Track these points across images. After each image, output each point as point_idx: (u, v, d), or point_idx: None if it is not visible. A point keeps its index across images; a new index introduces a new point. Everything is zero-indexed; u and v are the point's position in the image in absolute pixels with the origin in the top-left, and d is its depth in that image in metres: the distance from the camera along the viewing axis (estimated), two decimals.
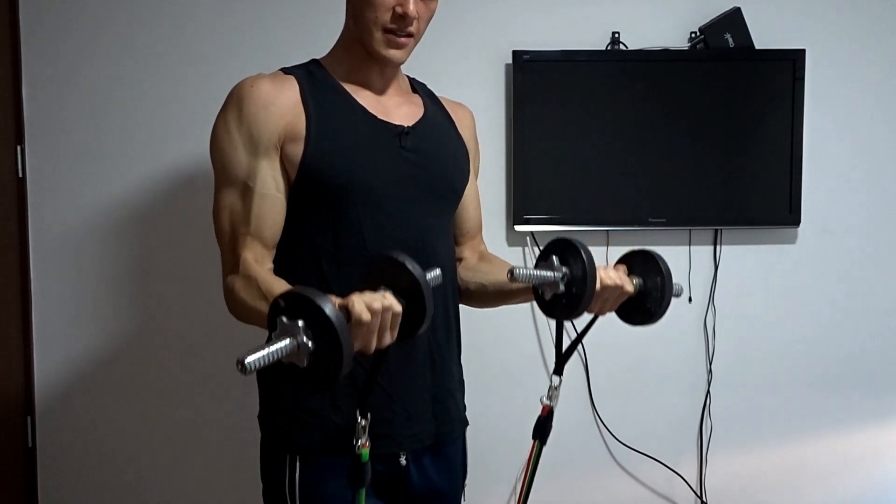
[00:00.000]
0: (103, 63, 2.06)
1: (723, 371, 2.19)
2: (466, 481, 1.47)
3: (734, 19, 2.05)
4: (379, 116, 1.30)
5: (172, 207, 2.08)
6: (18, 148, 2.05)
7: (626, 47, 2.10)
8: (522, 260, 2.16)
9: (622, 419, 2.18)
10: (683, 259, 2.17)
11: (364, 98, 1.32)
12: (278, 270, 1.26)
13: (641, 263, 1.26)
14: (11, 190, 2.04)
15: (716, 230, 2.17)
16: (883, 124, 2.18)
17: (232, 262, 1.25)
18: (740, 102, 2.08)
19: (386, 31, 1.26)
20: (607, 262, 2.13)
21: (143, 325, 2.11)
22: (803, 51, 2.08)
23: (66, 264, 2.08)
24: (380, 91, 1.35)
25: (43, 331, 2.09)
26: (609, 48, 2.10)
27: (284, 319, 0.96)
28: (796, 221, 2.11)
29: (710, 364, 2.19)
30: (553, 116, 2.06)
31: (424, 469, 1.35)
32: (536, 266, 1.22)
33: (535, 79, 2.05)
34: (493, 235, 2.12)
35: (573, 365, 2.17)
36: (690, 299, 2.18)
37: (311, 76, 1.31)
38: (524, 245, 2.15)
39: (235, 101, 1.25)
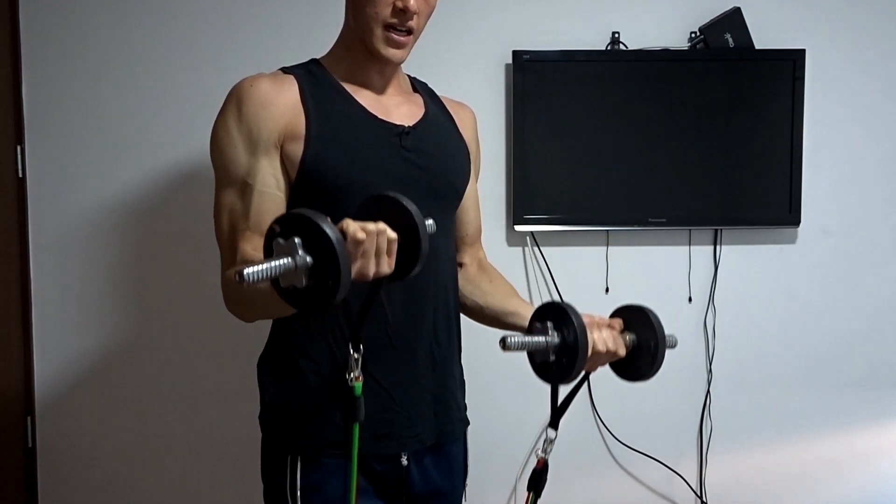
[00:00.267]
0: (103, 63, 2.06)
1: (723, 371, 2.19)
2: (467, 481, 1.47)
3: (734, 19, 2.05)
4: (379, 116, 1.30)
5: (173, 207, 2.08)
6: (18, 148, 2.05)
7: (626, 47, 2.10)
8: (522, 260, 2.16)
9: (622, 419, 2.18)
10: (683, 259, 2.17)
11: (364, 98, 1.31)
12: None
13: (637, 321, 1.27)
14: (11, 190, 2.04)
15: (716, 230, 2.17)
16: (883, 124, 2.18)
17: (230, 257, 1.24)
18: (740, 102, 2.08)
19: (386, 27, 1.26)
20: (607, 263, 2.14)
21: (144, 324, 2.11)
22: (803, 51, 2.08)
23: (66, 264, 2.08)
24: (380, 90, 1.34)
25: (43, 331, 2.09)
26: (609, 48, 2.11)
27: (280, 241, 0.96)
28: (796, 221, 2.11)
29: (710, 364, 2.19)
30: (553, 116, 2.06)
31: (425, 469, 1.35)
32: (528, 331, 1.23)
33: (535, 79, 2.05)
34: (493, 235, 2.12)
35: None
36: (690, 299, 2.18)
37: (311, 76, 1.31)
38: (524, 245, 2.15)
39: (235, 101, 1.25)
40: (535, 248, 2.15)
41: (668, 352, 2.18)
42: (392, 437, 1.29)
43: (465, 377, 1.46)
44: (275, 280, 0.98)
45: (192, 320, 2.09)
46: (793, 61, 2.07)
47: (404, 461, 1.31)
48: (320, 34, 1.41)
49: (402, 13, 1.25)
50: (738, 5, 2.06)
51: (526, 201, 2.07)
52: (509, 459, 2.15)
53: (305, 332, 1.28)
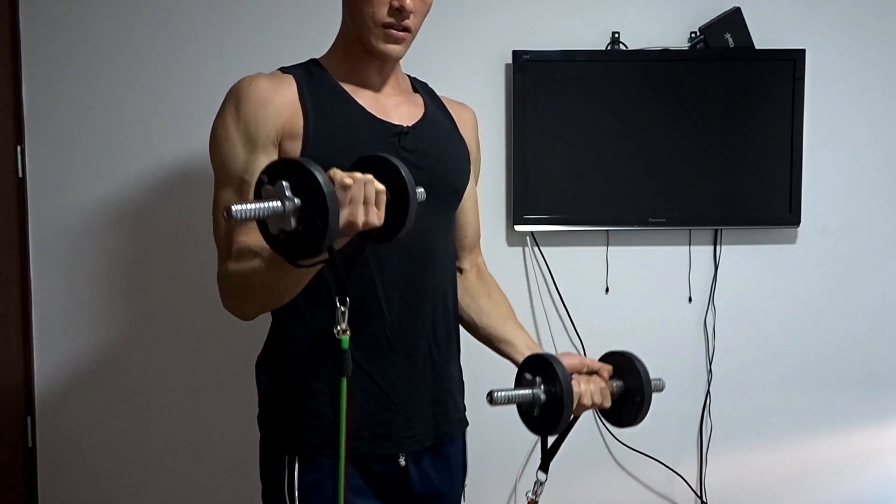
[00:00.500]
0: (103, 63, 2.06)
1: (723, 371, 2.19)
2: (466, 482, 1.47)
3: (734, 19, 2.05)
4: (378, 116, 1.30)
5: (172, 207, 2.08)
6: (18, 148, 2.05)
7: (626, 47, 2.10)
8: (522, 260, 2.16)
9: None
10: (683, 259, 2.17)
11: (363, 97, 1.31)
12: None
13: (625, 369, 1.29)
14: (11, 190, 2.04)
15: (716, 230, 2.17)
16: (883, 123, 2.18)
17: (226, 251, 1.24)
18: (740, 102, 2.08)
19: (383, 26, 1.26)
20: (607, 263, 2.14)
21: (144, 324, 2.11)
22: (803, 51, 2.08)
23: (66, 264, 2.08)
24: (378, 90, 1.34)
25: (43, 330, 2.09)
26: (609, 48, 2.10)
27: (269, 187, 0.97)
28: (796, 221, 2.11)
29: (710, 364, 2.19)
30: (553, 116, 2.06)
31: (424, 470, 1.35)
32: (516, 385, 1.26)
33: (535, 79, 2.05)
34: (493, 235, 2.12)
35: None
36: (690, 299, 2.18)
37: (310, 75, 1.31)
38: (524, 245, 2.15)
39: (233, 100, 1.26)
40: (535, 248, 2.15)
41: (668, 352, 2.20)
42: (391, 438, 1.29)
43: (465, 378, 1.46)
44: (264, 228, 0.99)
45: (192, 320, 2.09)
46: (793, 61, 2.07)
47: (402, 461, 1.31)
48: (320, 34, 1.41)
49: (399, 12, 1.25)
50: (738, 5, 2.06)
51: (526, 201, 2.07)
52: (509, 460, 2.16)
53: (303, 332, 1.28)
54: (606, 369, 1.31)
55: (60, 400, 2.10)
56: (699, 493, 2.21)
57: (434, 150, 1.34)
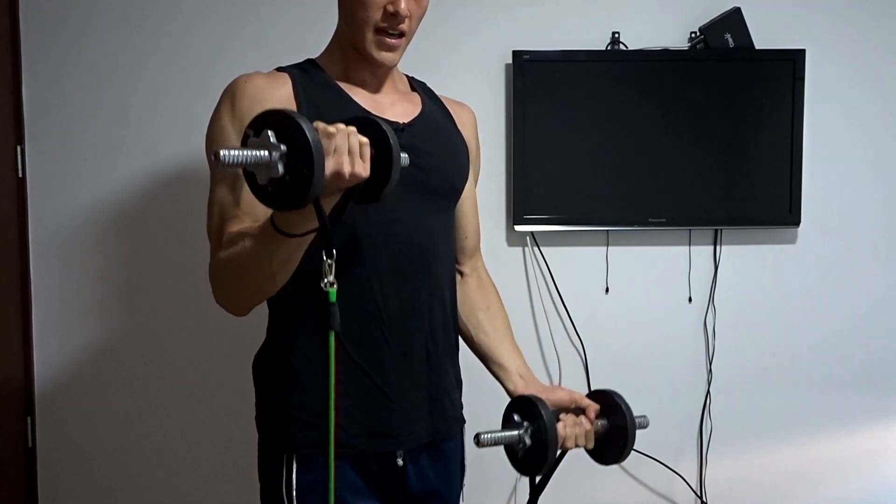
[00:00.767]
0: (103, 63, 2.06)
1: (723, 371, 2.19)
2: (465, 481, 1.47)
3: (734, 19, 2.05)
4: (373, 112, 1.30)
5: (172, 207, 2.08)
6: (18, 148, 2.05)
7: (626, 47, 2.10)
8: (522, 260, 2.16)
9: None
10: (683, 259, 2.17)
11: (359, 96, 1.32)
12: None
13: (610, 409, 1.32)
14: (11, 190, 2.04)
15: (716, 230, 2.17)
16: (884, 124, 2.18)
17: (218, 242, 1.23)
18: (740, 102, 2.08)
19: (378, 31, 1.26)
20: (607, 263, 2.14)
21: (144, 324, 2.11)
22: (803, 51, 2.08)
23: (66, 264, 2.08)
24: (375, 89, 1.35)
25: (43, 331, 2.09)
26: (609, 48, 2.11)
27: (254, 138, 0.98)
28: (796, 221, 2.11)
29: (710, 364, 2.19)
30: (553, 116, 2.06)
31: (422, 469, 1.34)
32: (503, 426, 1.30)
33: (535, 79, 2.05)
34: (493, 235, 2.12)
35: (573, 364, 2.17)
36: (690, 299, 2.18)
37: (306, 74, 1.31)
38: (524, 245, 2.15)
39: (229, 96, 1.26)
40: (535, 248, 2.15)
41: (668, 352, 2.20)
42: (388, 436, 1.29)
43: (463, 377, 1.46)
44: (253, 182, 1.00)
45: (192, 321, 2.09)
46: (793, 61, 2.07)
47: (400, 462, 1.31)
48: (322, 37, 1.42)
49: (393, 17, 1.25)
50: (738, 5, 2.06)
51: (526, 201, 2.07)
52: (508, 460, 2.15)
53: (300, 331, 1.28)
54: (594, 409, 1.34)
55: (60, 400, 2.10)
56: (699, 493, 2.21)
57: (431, 148, 1.33)
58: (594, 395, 1.36)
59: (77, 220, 2.08)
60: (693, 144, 2.08)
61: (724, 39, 2.05)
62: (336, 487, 1.23)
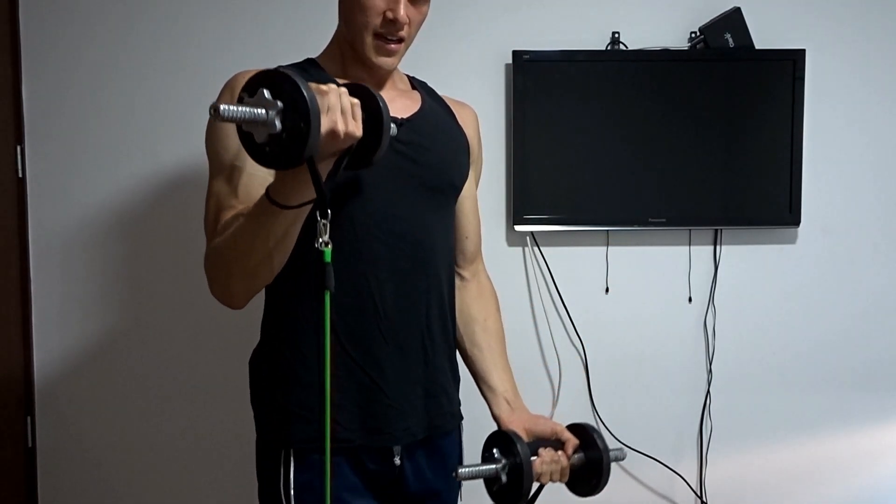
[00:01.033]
0: (103, 63, 2.06)
1: (723, 371, 2.19)
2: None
3: (734, 19, 2.05)
4: None
5: (172, 206, 2.08)
6: (18, 148, 2.05)
7: (626, 47, 2.10)
8: (522, 260, 2.16)
9: (622, 419, 2.18)
10: (683, 259, 2.17)
11: None
12: None
13: (587, 444, 1.36)
14: (11, 190, 2.04)
15: (716, 230, 2.17)
16: (883, 124, 2.18)
17: (213, 232, 1.22)
18: (740, 102, 2.08)
19: (377, 35, 1.27)
20: (607, 263, 2.14)
21: (143, 325, 2.11)
22: (803, 51, 2.08)
23: (66, 264, 2.08)
24: (374, 88, 1.35)
25: (43, 331, 2.09)
26: (609, 48, 2.11)
27: (249, 98, 0.99)
28: (796, 221, 2.11)
29: (710, 364, 2.19)
30: (553, 116, 2.06)
31: (419, 467, 1.35)
32: (483, 460, 1.33)
33: (535, 79, 2.05)
34: (493, 235, 2.12)
35: (573, 365, 2.17)
36: (690, 299, 2.18)
37: (306, 73, 1.32)
38: (524, 245, 2.15)
39: (228, 91, 1.27)
40: (535, 248, 2.15)
41: (668, 352, 2.20)
42: (384, 431, 1.29)
43: (463, 375, 1.46)
44: (250, 141, 1.00)
45: (192, 320, 2.09)
46: (793, 61, 2.07)
47: (398, 461, 1.31)
48: (322, 38, 1.42)
49: (392, 23, 1.25)
50: (738, 5, 2.06)
51: (526, 201, 2.07)
52: None
53: (295, 328, 1.28)
54: (572, 444, 1.36)
55: (60, 400, 2.10)
56: (699, 493, 2.21)
57: (430, 143, 1.33)
58: (573, 428, 1.40)
59: (77, 220, 2.08)
60: (693, 144, 2.08)
61: (724, 39, 2.05)
62: (334, 487, 1.23)
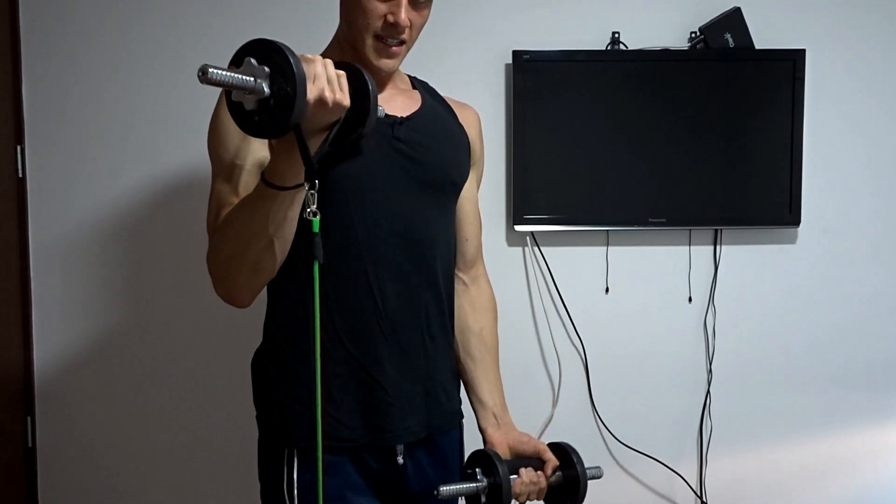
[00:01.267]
0: (103, 63, 2.06)
1: (723, 371, 2.19)
2: None
3: (734, 19, 2.05)
4: None
5: (172, 207, 2.08)
6: (18, 148, 2.05)
7: (626, 47, 2.10)
8: (522, 260, 2.16)
9: (622, 419, 2.18)
10: (683, 259, 2.17)
11: None
12: None
13: (566, 464, 1.40)
14: (11, 190, 2.04)
15: (716, 230, 2.17)
16: (883, 124, 2.18)
17: (214, 229, 1.23)
18: (740, 102, 2.08)
19: (378, 38, 1.27)
20: (607, 263, 2.14)
21: (143, 325, 2.11)
22: (803, 51, 2.08)
23: (66, 264, 2.08)
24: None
25: (43, 331, 2.09)
26: (609, 48, 2.11)
27: (237, 68, 1.00)
28: (796, 221, 2.11)
29: (710, 364, 2.19)
30: (553, 116, 2.06)
31: (421, 467, 1.35)
32: (463, 478, 1.37)
33: (535, 79, 2.05)
34: (493, 235, 2.12)
35: (573, 365, 2.17)
36: (690, 299, 2.18)
37: None
38: (524, 245, 2.15)
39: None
40: (535, 248, 2.15)
41: (668, 352, 2.20)
42: (385, 430, 1.29)
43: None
44: (239, 109, 1.01)
45: (193, 320, 2.09)
46: (793, 61, 2.07)
47: (400, 460, 1.32)
48: (322, 40, 1.42)
49: (393, 27, 1.26)
50: (738, 5, 2.06)
51: (526, 201, 2.07)
52: None
53: (297, 328, 1.28)
54: (552, 465, 1.39)
55: (60, 400, 2.10)
56: (699, 493, 2.21)
57: (430, 142, 1.33)
58: (553, 447, 1.43)
59: (77, 220, 2.08)
60: (693, 144, 2.08)
61: (724, 39, 2.05)
62: (337, 485, 1.23)
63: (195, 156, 2.06)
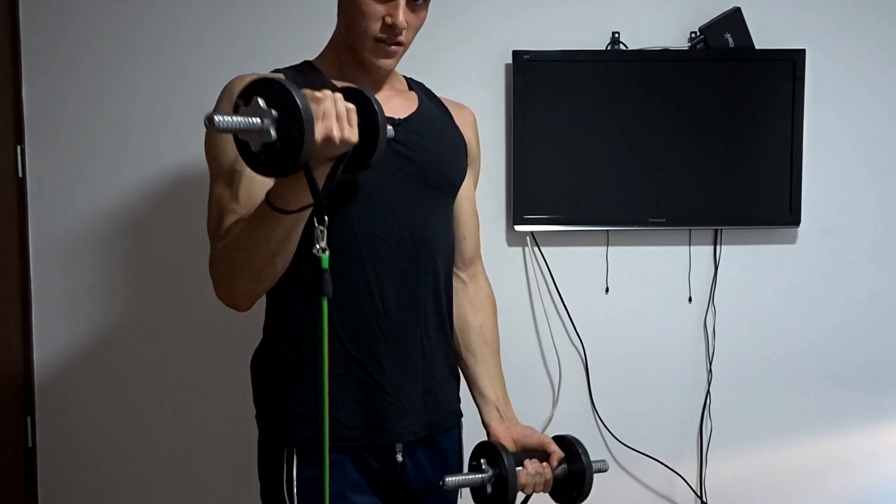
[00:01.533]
0: (103, 63, 2.06)
1: (723, 371, 2.19)
2: None
3: (734, 19, 2.05)
4: None
5: (172, 206, 2.08)
6: (18, 148, 2.05)
7: (626, 47, 2.10)
8: (522, 260, 2.16)
9: (622, 419, 2.18)
10: (683, 259, 2.17)
11: None
12: None
13: (571, 456, 1.39)
14: (11, 190, 2.04)
15: (716, 230, 2.17)
16: (883, 124, 2.18)
17: (216, 236, 1.23)
18: (740, 102, 2.08)
19: (376, 40, 1.28)
20: (607, 263, 2.14)
21: (143, 325, 2.11)
22: (803, 51, 2.08)
23: (66, 264, 2.08)
24: (370, 90, 1.35)
25: (43, 331, 2.09)
26: (609, 48, 2.11)
27: (244, 107, 1.00)
28: (796, 221, 2.11)
29: (710, 364, 2.19)
30: (553, 116, 2.06)
31: (420, 464, 1.36)
32: (469, 469, 1.37)
33: (535, 79, 2.05)
34: (493, 235, 2.12)
35: (573, 364, 2.17)
36: (690, 299, 2.18)
37: (302, 74, 1.33)
38: (524, 245, 2.15)
39: (227, 95, 1.27)
40: (535, 248, 2.15)
41: (668, 352, 2.20)
42: (385, 429, 1.30)
43: (459, 371, 1.47)
44: (246, 149, 1.01)
45: (193, 320, 2.09)
46: (793, 61, 2.07)
47: (399, 458, 1.32)
48: (321, 42, 1.42)
49: (392, 28, 1.27)
50: (738, 5, 2.06)
51: (526, 201, 2.07)
52: None
53: (297, 327, 1.28)
54: (557, 457, 1.39)
55: (60, 400, 2.10)
56: (699, 493, 2.21)
57: (428, 143, 1.34)
58: (559, 440, 1.42)
59: (77, 220, 2.08)
60: (693, 144, 2.08)
61: (724, 39, 2.05)
62: (337, 484, 1.23)
63: (195, 156, 2.06)
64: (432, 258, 1.34)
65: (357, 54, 1.30)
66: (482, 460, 1.35)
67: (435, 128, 1.39)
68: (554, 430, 2.12)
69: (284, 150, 0.99)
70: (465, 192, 1.46)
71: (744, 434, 2.21)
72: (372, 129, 1.09)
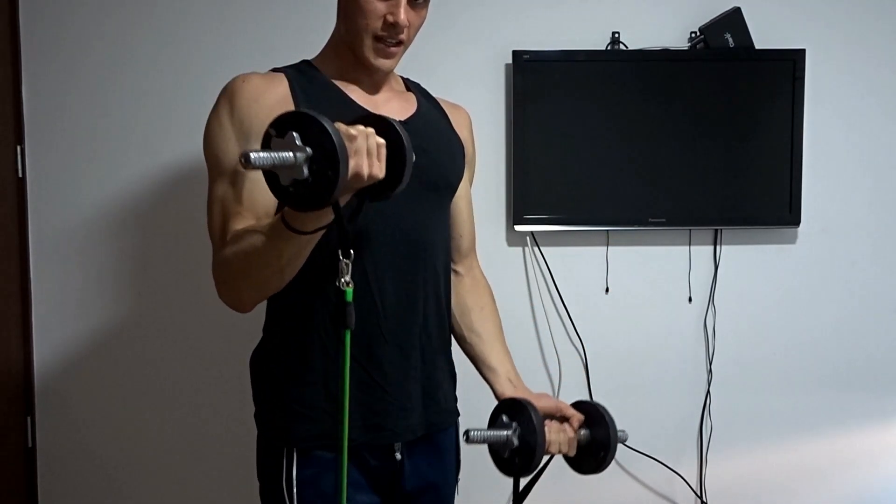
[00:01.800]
0: (103, 63, 2.06)
1: (723, 371, 2.19)
2: (461, 476, 1.48)
3: (734, 19, 2.05)
4: (369, 109, 1.31)
5: (172, 206, 2.08)
6: (18, 148, 2.05)
7: (626, 47, 2.10)
8: (522, 260, 2.16)
9: (622, 419, 2.16)
10: (683, 259, 2.17)
11: (355, 94, 1.33)
12: None
13: (593, 420, 1.36)
14: (11, 190, 2.04)
15: (716, 230, 2.17)
16: (883, 124, 2.18)
17: (222, 241, 1.23)
18: (740, 102, 2.08)
19: (377, 38, 1.28)
20: (607, 263, 2.14)
21: (143, 324, 2.11)
22: (803, 51, 2.08)
23: (66, 264, 2.08)
24: (370, 88, 1.36)
25: (43, 331, 2.09)
26: (609, 48, 2.11)
27: (278, 139, 0.98)
28: (796, 221, 2.11)
29: (710, 364, 2.19)
30: (553, 116, 2.06)
31: (418, 464, 1.36)
32: (491, 425, 1.33)
33: (535, 79, 2.05)
34: (493, 235, 2.12)
35: (573, 365, 2.17)
36: (690, 299, 2.18)
37: (302, 73, 1.33)
38: (524, 245, 2.15)
39: (227, 96, 1.27)
40: (535, 248, 2.15)
41: (668, 352, 2.20)
42: (384, 429, 1.30)
43: (458, 371, 1.47)
44: (274, 180, 1.00)
45: (192, 319, 2.10)
46: (793, 61, 2.07)
47: (398, 456, 1.32)
48: (321, 41, 1.42)
49: (393, 27, 1.26)
50: (738, 5, 2.06)
51: (526, 201, 2.07)
52: None
53: (298, 327, 1.29)
54: (578, 419, 1.37)
55: (60, 400, 2.10)
56: (699, 493, 2.21)
57: (427, 145, 1.34)
58: (579, 405, 1.40)
59: (77, 220, 2.08)
60: (693, 144, 2.09)
61: (724, 39, 2.05)
62: (335, 482, 1.23)
63: (195, 155, 2.05)
64: (432, 259, 1.34)
65: (356, 54, 1.30)
66: (504, 416, 1.30)
67: (434, 130, 1.39)
68: None
69: (316, 188, 0.98)
70: (461, 190, 1.46)
71: (744, 434, 2.21)
72: (399, 162, 1.08)
